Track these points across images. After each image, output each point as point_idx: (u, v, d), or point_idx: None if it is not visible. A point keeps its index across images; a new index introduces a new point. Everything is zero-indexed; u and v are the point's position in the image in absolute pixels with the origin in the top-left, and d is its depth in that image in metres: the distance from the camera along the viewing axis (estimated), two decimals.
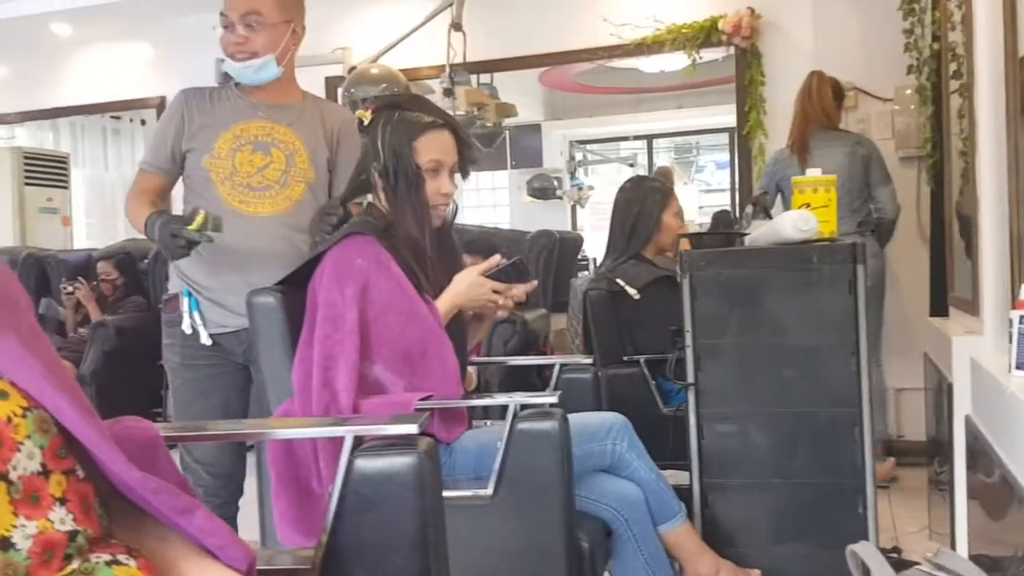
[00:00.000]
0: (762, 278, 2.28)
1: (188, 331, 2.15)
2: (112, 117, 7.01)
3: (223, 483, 2.23)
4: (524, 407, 1.78)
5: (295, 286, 1.91)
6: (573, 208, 8.38)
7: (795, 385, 2.24)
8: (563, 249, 4.44)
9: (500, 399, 1.80)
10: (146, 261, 5.31)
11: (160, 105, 5.42)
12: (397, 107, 1.95)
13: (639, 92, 7.39)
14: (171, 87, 5.39)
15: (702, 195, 8.74)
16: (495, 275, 1.93)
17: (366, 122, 1.93)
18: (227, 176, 2.16)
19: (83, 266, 5.47)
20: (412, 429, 1.22)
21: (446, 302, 1.92)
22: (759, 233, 2.48)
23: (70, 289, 5.05)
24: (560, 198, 8.25)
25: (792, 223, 2.26)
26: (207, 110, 2.18)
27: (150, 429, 0.99)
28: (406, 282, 1.84)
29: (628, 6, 4.50)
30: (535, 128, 8.21)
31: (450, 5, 4.18)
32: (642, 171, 8.19)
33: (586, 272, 5.52)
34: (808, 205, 2.34)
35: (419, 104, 2.00)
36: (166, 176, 2.23)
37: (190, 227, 1.97)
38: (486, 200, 8.98)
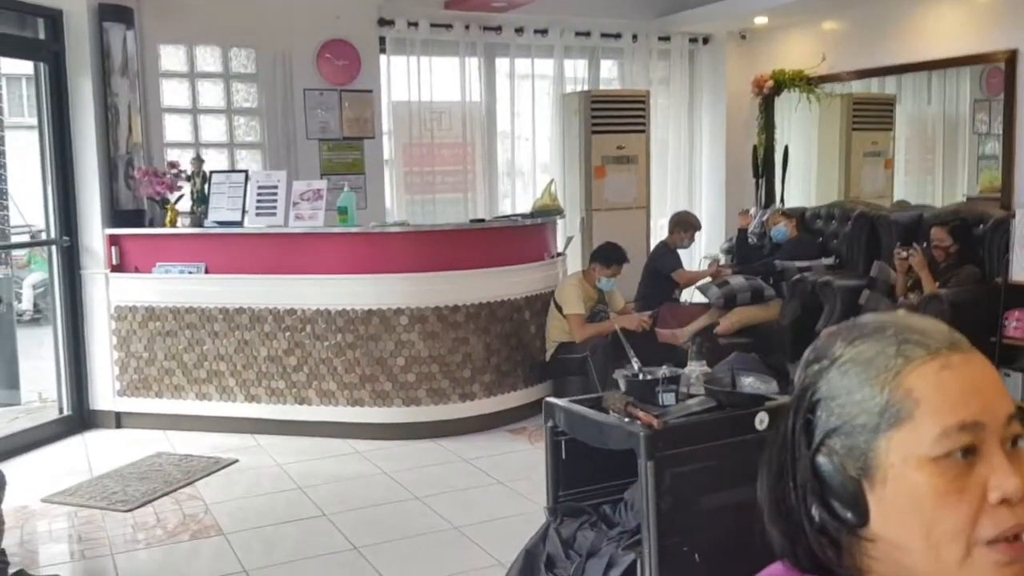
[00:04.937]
0: None
1: None
2: None
3: None
4: None
5: None
6: None
7: None
8: None
9: None
10: (982, 227, 5.06)
11: (1010, 59, 4.99)
12: None
13: None
14: (1021, 39, 4.97)
15: None
16: None
17: None
18: None
19: (912, 228, 5.48)
20: None
21: None
22: None
23: (904, 254, 5.09)
24: None
25: None
26: None
27: None
28: None
29: None
30: None
31: None
32: None
33: None
34: None
35: None
36: None
37: None
38: None
